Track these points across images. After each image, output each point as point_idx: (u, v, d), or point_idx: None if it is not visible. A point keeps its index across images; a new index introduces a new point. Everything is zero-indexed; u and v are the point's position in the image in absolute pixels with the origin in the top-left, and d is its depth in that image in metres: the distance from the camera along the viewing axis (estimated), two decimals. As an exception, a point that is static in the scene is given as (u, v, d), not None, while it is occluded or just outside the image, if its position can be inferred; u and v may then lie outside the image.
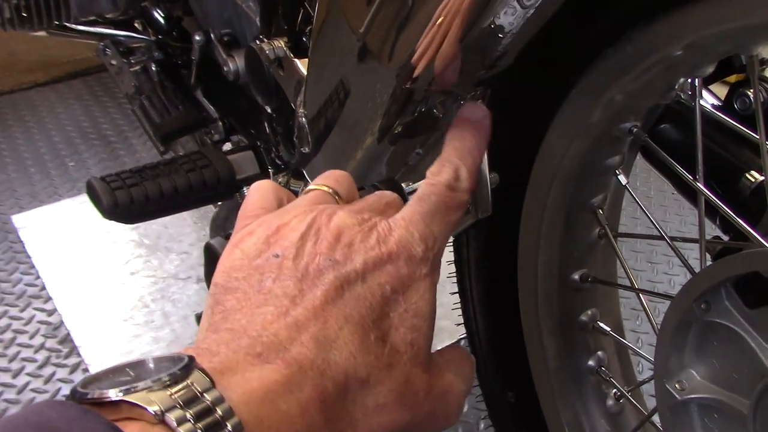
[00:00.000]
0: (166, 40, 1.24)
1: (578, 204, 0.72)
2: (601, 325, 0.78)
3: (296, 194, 0.54)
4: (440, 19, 0.48)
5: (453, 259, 0.83)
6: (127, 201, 0.82)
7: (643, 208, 0.70)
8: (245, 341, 0.40)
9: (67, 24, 1.30)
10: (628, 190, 0.71)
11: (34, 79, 2.45)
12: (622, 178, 0.69)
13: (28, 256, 1.68)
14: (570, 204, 0.71)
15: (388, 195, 0.52)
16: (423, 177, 0.61)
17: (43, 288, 1.60)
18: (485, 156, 0.59)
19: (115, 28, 1.31)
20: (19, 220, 1.78)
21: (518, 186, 0.71)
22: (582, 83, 0.60)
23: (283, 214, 0.47)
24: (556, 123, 0.64)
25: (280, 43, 0.77)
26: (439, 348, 0.51)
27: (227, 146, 1.08)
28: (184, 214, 1.74)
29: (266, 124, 0.92)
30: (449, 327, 0.95)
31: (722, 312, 0.57)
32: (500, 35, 0.50)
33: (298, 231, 0.45)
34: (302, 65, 0.75)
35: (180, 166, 0.88)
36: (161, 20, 1.26)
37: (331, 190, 0.50)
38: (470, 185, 0.52)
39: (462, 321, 0.88)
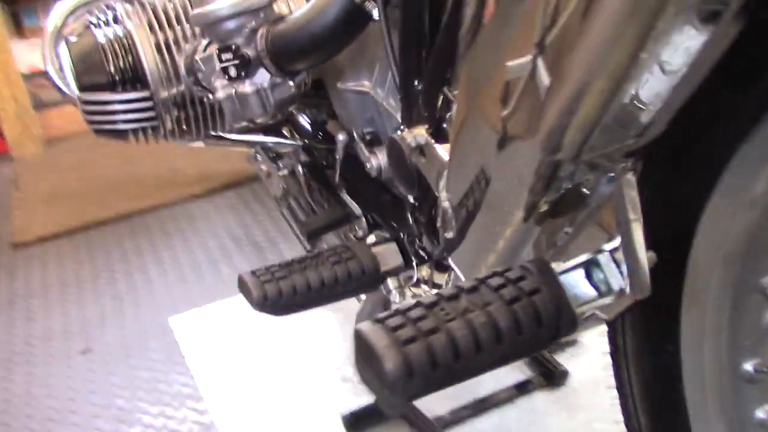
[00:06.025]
0: (311, 144, 1.29)
1: (746, 284, 0.66)
2: (784, 423, 0.70)
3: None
4: (582, 86, 0.46)
5: (609, 350, 0.78)
6: (276, 294, 0.84)
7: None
8: None
9: (222, 134, 1.38)
10: (804, 268, 0.64)
11: (192, 191, 2.63)
12: (796, 255, 0.63)
13: (182, 357, 1.75)
14: (737, 285, 0.66)
15: None
16: (571, 257, 0.58)
17: (197, 388, 1.65)
18: (641, 232, 0.56)
19: (265, 135, 1.38)
20: (174, 321, 1.87)
21: (677, 265, 0.66)
22: (743, 150, 0.56)
23: None
24: (716, 196, 0.60)
25: (421, 131, 0.78)
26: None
27: (371, 239, 1.09)
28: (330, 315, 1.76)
29: (409, 216, 0.92)
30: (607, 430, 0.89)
31: None
32: (643, 104, 0.48)
33: None
34: (444, 150, 0.75)
35: (326, 259, 0.89)
36: (307, 125, 1.32)
37: None
38: None
39: (621, 419, 0.82)
